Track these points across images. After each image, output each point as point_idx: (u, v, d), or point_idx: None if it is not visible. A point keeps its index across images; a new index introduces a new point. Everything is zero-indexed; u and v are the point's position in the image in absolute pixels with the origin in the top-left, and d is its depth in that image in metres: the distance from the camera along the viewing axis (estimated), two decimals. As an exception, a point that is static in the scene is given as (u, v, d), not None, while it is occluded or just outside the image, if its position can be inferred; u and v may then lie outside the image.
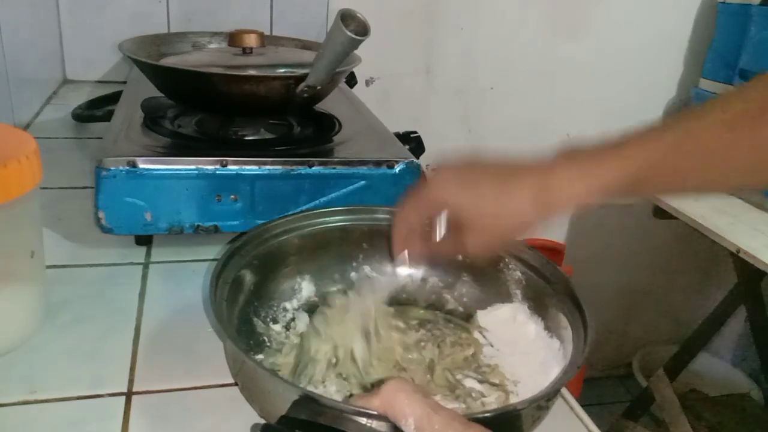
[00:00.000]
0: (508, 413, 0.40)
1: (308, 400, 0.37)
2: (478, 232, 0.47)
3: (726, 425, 1.56)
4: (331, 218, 0.59)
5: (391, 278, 0.59)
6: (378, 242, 0.59)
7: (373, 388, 0.45)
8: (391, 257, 0.54)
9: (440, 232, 0.50)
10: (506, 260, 0.56)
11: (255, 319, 0.52)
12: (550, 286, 0.53)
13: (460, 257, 0.58)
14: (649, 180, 0.44)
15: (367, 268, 0.59)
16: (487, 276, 0.58)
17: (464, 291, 0.59)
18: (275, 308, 0.54)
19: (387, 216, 0.59)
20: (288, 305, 0.55)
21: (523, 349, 0.52)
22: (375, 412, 0.35)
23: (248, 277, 0.53)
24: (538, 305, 0.54)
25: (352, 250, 0.59)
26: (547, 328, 0.52)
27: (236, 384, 0.47)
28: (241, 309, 0.51)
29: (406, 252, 0.52)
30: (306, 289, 0.57)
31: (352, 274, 0.59)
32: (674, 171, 0.44)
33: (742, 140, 0.42)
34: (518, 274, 0.56)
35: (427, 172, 0.59)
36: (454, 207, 0.48)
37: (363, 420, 0.35)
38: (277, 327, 0.53)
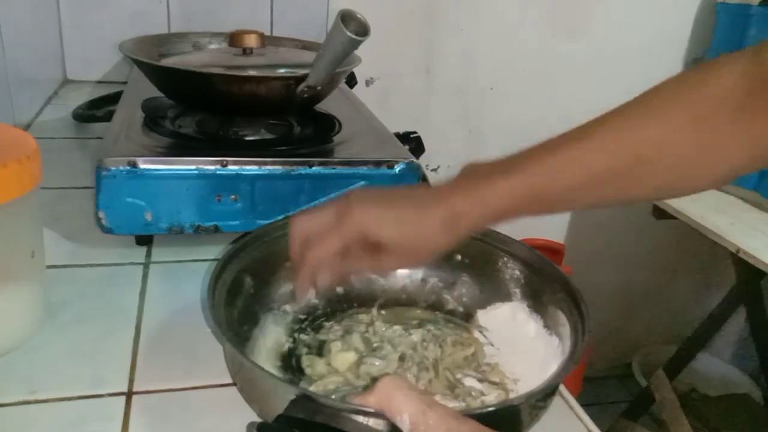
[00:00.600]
0: (504, 409, 0.40)
1: (305, 399, 0.37)
2: (397, 255, 0.47)
3: (726, 425, 1.56)
4: None
5: (390, 279, 0.59)
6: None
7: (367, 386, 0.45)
8: (296, 289, 0.51)
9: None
10: (505, 259, 0.57)
11: (255, 321, 0.52)
12: (549, 283, 0.53)
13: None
14: (541, 199, 0.45)
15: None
16: (486, 275, 0.58)
17: (464, 291, 0.59)
18: (276, 309, 0.54)
19: None
20: (288, 308, 0.55)
21: (523, 348, 0.52)
22: (371, 410, 0.35)
23: (248, 279, 0.53)
24: (537, 303, 0.54)
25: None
26: (547, 326, 0.52)
27: (235, 384, 0.47)
28: (240, 311, 0.51)
29: (313, 290, 0.50)
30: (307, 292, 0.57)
31: (353, 276, 0.59)
32: (563, 192, 0.45)
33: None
34: (517, 272, 0.56)
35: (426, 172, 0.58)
36: (377, 232, 0.47)
37: (360, 418, 0.35)
38: (278, 329, 0.53)
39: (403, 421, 0.34)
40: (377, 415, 0.35)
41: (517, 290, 0.56)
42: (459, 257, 0.59)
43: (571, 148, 0.45)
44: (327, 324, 0.55)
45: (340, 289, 0.58)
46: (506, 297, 0.57)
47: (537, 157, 0.46)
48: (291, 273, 0.55)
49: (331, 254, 0.48)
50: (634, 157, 0.44)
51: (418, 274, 0.60)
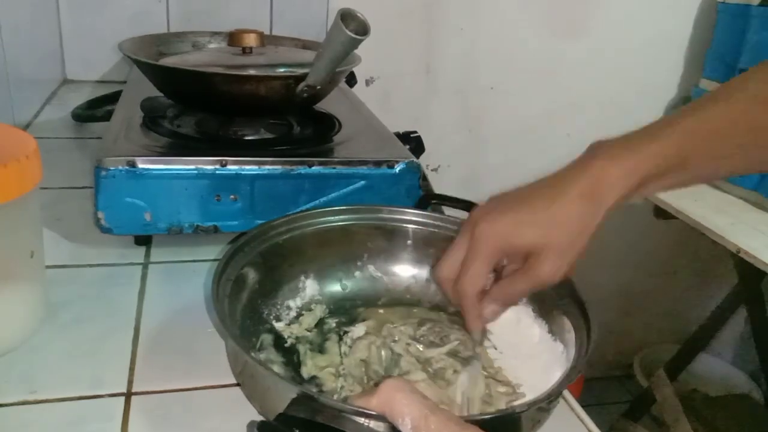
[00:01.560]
0: (507, 416, 0.40)
1: (306, 398, 0.37)
2: (549, 259, 0.44)
3: (726, 425, 1.56)
4: (335, 217, 0.59)
5: (395, 278, 0.59)
6: (382, 242, 0.59)
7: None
8: (470, 330, 0.49)
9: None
10: None
11: (258, 317, 0.52)
12: (555, 289, 0.52)
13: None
14: (688, 162, 0.43)
15: (371, 268, 0.59)
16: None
17: None
18: (279, 306, 0.54)
19: (391, 215, 0.59)
20: (292, 303, 0.55)
21: (526, 353, 0.52)
22: (373, 412, 0.35)
23: (251, 274, 0.52)
24: (543, 308, 0.53)
25: (357, 249, 0.59)
26: (551, 331, 0.52)
27: (238, 384, 0.47)
28: (243, 306, 0.51)
29: (487, 315, 0.48)
30: (310, 287, 0.57)
31: (357, 273, 0.59)
32: (713, 150, 0.43)
33: None
34: None
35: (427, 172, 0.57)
36: (513, 243, 0.44)
37: (361, 419, 0.35)
38: (280, 325, 0.53)
39: (405, 424, 0.33)
40: (378, 417, 0.35)
41: None
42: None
43: (712, 107, 0.44)
44: (330, 321, 0.55)
45: (339, 288, 0.58)
46: None
47: (675, 123, 0.43)
48: (296, 269, 0.55)
49: (479, 282, 0.45)
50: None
51: (423, 274, 0.59)
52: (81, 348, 0.50)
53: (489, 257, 0.45)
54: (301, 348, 0.51)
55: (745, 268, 1.33)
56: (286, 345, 0.52)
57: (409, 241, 0.59)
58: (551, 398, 0.42)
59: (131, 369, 0.48)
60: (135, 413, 0.44)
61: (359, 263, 0.59)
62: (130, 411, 0.44)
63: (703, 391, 1.70)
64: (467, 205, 0.62)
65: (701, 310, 1.67)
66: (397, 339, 0.51)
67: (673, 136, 0.43)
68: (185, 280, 0.61)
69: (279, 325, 0.53)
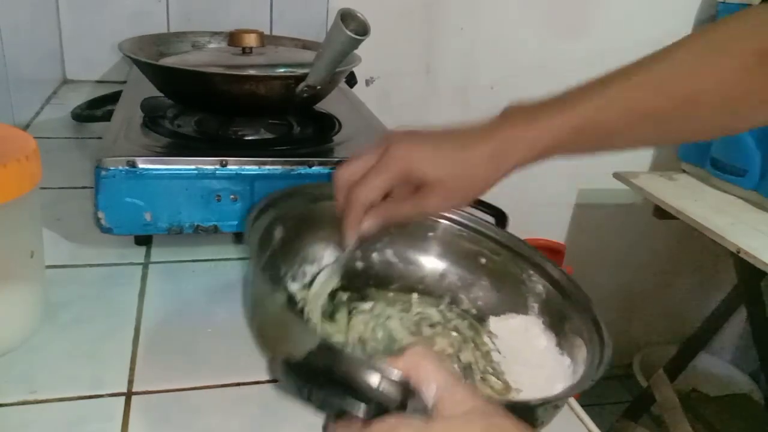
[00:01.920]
0: (518, 407, 0.39)
1: (328, 349, 0.35)
2: (439, 193, 0.47)
3: (726, 425, 1.56)
4: None
5: (410, 267, 0.59)
6: (406, 229, 0.59)
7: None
8: (343, 234, 0.50)
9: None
10: (530, 272, 0.55)
11: (276, 275, 0.52)
12: (570, 303, 0.51)
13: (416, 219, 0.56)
14: (589, 135, 0.46)
15: (389, 252, 0.59)
16: (506, 284, 0.57)
17: (480, 294, 0.58)
18: (296, 267, 0.55)
19: None
20: (308, 269, 0.55)
21: (528, 360, 0.52)
22: (395, 373, 0.33)
23: (278, 232, 0.53)
24: (554, 321, 0.53)
25: (379, 231, 0.58)
26: (560, 344, 0.51)
27: (236, 385, 0.47)
28: (264, 262, 0.50)
29: (363, 227, 0.49)
30: (327, 258, 0.56)
31: (374, 255, 0.59)
32: (611, 128, 0.46)
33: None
34: (539, 287, 0.55)
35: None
36: (420, 170, 0.47)
37: (378, 380, 0.33)
38: (295, 285, 0.54)
39: (430, 390, 0.32)
40: (398, 382, 0.33)
41: (536, 305, 0.55)
42: (483, 260, 0.58)
43: (618, 87, 0.46)
44: (342, 293, 0.55)
45: (359, 264, 0.58)
46: (522, 309, 0.55)
47: (582, 95, 0.46)
48: (337, 222, 0.53)
49: (374, 194, 0.47)
50: (682, 97, 0.45)
51: (439, 268, 0.59)
52: (81, 348, 0.50)
53: (392, 176, 0.47)
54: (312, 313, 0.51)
55: (745, 268, 1.33)
56: (296, 307, 0.52)
57: (431, 233, 0.60)
58: (560, 401, 0.42)
59: (131, 369, 0.48)
60: (135, 413, 0.44)
61: (378, 245, 0.59)
62: (130, 411, 0.44)
63: (703, 391, 1.70)
64: (497, 212, 0.62)
65: (701, 310, 1.67)
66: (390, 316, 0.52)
67: (578, 111, 0.45)
68: (185, 280, 0.61)
69: (293, 286, 0.54)
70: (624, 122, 0.45)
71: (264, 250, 0.50)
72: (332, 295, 0.54)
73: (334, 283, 0.54)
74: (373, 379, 0.32)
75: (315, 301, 0.53)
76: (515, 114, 0.47)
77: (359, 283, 0.57)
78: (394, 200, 0.49)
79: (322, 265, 0.56)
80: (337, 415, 0.34)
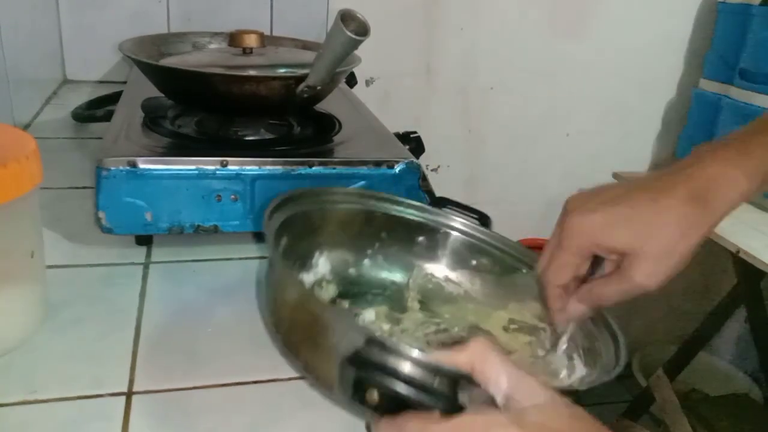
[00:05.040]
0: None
1: (378, 344, 0.32)
2: (642, 261, 0.40)
3: (726, 425, 1.56)
4: (362, 200, 0.58)
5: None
6: (396, 233, 0.58)
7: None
8: (551, 322, 0.46)
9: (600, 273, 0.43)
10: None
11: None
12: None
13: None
14: None
15: (380, 258, 0.58)
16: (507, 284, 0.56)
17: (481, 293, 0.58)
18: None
19: (409, 209, 0.58)
20: (306, 277, 0.54)
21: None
22: (457, 369, 0.31)
23: (284, 237, 0.52)
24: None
25: (370, 237, 0.58)
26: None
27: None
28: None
29: (572, 316, 0.45)
30: (322, 265, 0.56)
31: (366, 261, 0.58)
32: None
33: None
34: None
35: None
36: (604, 240, 0.40)
37: (442, 376, 0.31)
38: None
39: (500, 384, 0.30)
40: (464, 375, 0.31)
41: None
42: (481, 263, 0.57)
43: None
44: (343, 301, 0.55)
45: (352, 270, 0.57)
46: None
47: None
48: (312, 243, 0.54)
49: (563, 275, 0.42)
50: None
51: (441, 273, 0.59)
52: (81, 348, 0.50)
53: (576, 252, 0.41)
54: None
55: (744, 268, 1.33)
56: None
57: (420, 238, 0.59)
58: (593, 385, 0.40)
59: (132, 369, 0.48)
60: (135, 413, 0.44)
61: (370, 251, 0.58)
62: (130, 411, 0.44)
63: (702, 391, 1.70)
64: (480, 215, 0.61)
65: (701, 310, 1.67)
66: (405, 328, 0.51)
67: None
68: (186, 280, 0.61)
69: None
70: None
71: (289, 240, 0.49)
72: (332, 302, 0.53)
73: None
74: (438, 374, 0.31)
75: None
76: (712, 146, 0.40)
77: (355, 290, 0.56)
78: (598, 281, 0.43)
79: (317, 272, 0.54)
80: (394, 411, 0.31)
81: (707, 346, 1.64)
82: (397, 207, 0.59)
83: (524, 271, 0.55)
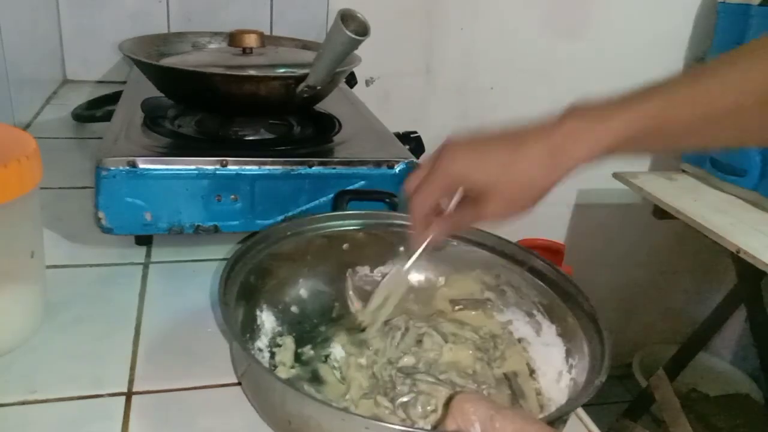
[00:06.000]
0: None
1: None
2: (495, 201, 0.45)
3: (726, 425, 1.56)
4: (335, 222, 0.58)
5: (340, 286, 0.58)
6: (321, 251, 0.57)
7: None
8: (413, 243, 0.51)
9: (452, 205, 0.49)
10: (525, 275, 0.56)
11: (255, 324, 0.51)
12: (570, 305, 0.52)
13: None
14: (656, 134, 0.44)
15: (312, 282, 0.57)
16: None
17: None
18: (255, 351, 0.50)
19: (325, 222, 0.58)
20: (260, 344, 0.51)
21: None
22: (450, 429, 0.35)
23: (253, 279, 0.52)
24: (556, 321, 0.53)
25: (298, 268, 0.57)
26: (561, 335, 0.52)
27: (238, 384, 0.47)
28: (246, 310, 0.50)
29: (429, 236, 0.50)
30: (267, 322, 0.53)
31: (302, 291, 0.56)
32: (681, 127, 0.44)
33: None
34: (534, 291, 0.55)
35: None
36: (468, 178, 0.46)
37: None
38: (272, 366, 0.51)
39: (475, 429, 0.34)
40: None
41: (537, 308, 0.55)
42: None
43: (694, 84, 0.44)
44: (305, 351, 0.52)
45: (294, 308, 0.55)
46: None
47: (655, 93, 0.44)
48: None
49: (428, 202, 0.47)
50: (761, 94, 0.42)
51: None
52: (81, 348, 0.50)
53: (442, 185, 0.47)
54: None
55: (744, 268, 1.33)
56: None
57: (345, 245, 0.58)
58: (565, 414, 0.42)
59: (132, 369, 0.48)
60: (135, 413, 0.44)
61: (301, 281, 0.56)
62: (130, 411, 0.44)
63: (702, 391, 1.70)
64: (384, 196, 0.63)
65: (701, 310, 1.67)
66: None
67: (647, 108, 0.44)
68: (186, 280, 0.61)
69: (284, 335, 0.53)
70: (700, 117, 0.43)
71: (243, 303, 0.49)
72: (297, 358, 0.51)
73: (404, 288, 0.54)
74: None
75: (377, 314, 0.53)
76: (579, 110, 0.45)
77: (306, 327, 0.54)
78: (457, 211, 0.48)
79: (267, 332, 0.52)
80: None
81: (707, 346, 1.64)
82: (313, 226, 0.58)
83: (454, 243, 0.57)
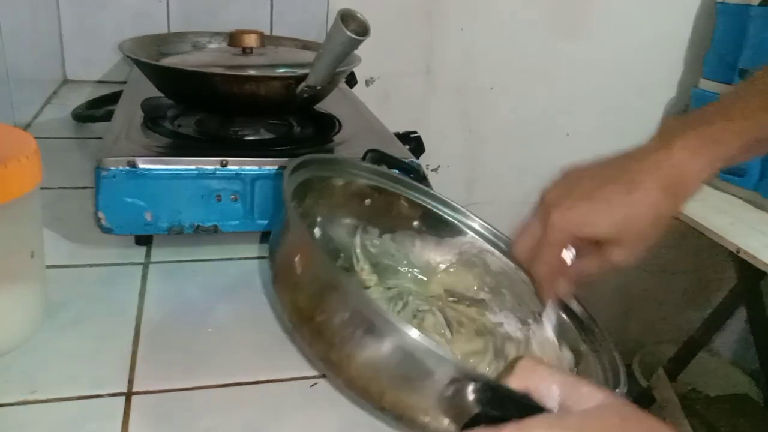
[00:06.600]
0: None
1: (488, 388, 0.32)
2: (620, 246, 0.44)
3: (726, 425, 1.56)
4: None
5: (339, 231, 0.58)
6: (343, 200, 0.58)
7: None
8: (542, 304, 0.50)
9: (571, 257, 0.47)
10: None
11: None
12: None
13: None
14: (757, 147, 0.43)
15: (327, 224, 0.57)
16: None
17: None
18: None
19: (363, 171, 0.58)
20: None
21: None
22: (516, 387, 0.32)
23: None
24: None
25: (318, 206, 0.57)
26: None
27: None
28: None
29: (556, 297, 0.49)
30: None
31: (316, 230, 0.56)
32: None
33: None
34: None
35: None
36: (587, 230, 0.44)
37: (501, 400, 0.32)
38: None
39: (552, 393, 0.31)
40: (521, 396, 0.32)
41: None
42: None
43: None
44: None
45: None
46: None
47: (751, 97, 0.43)
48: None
49: (553, 265, 0.46)
50: None
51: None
52: (81, 348, 0.50)
53: (562, 245, 0.46)
54: None
55: (744, 268, 1.33)
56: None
57: (368, 201, 0.58)
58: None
59: (132, 369, 0.48)
60: (135, 413, 0.44)
61: (319, 219, 0.56)
62: (130, 411, 0.44)
63: (703, 391, 1.70)
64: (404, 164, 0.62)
65: (701, 310, 1.67)
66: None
67: (751, 114, 0.42)
68: (186, 280, 0.61)
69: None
70: None
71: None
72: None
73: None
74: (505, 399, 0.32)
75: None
76: (678, 129, 0.43)
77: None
78: (580, 259, 0.47)
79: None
80: None
81: (707, 346, 1.64)
82: (353, 171, 0.58)
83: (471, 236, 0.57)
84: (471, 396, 0.33)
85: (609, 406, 0.30)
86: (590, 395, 0.31)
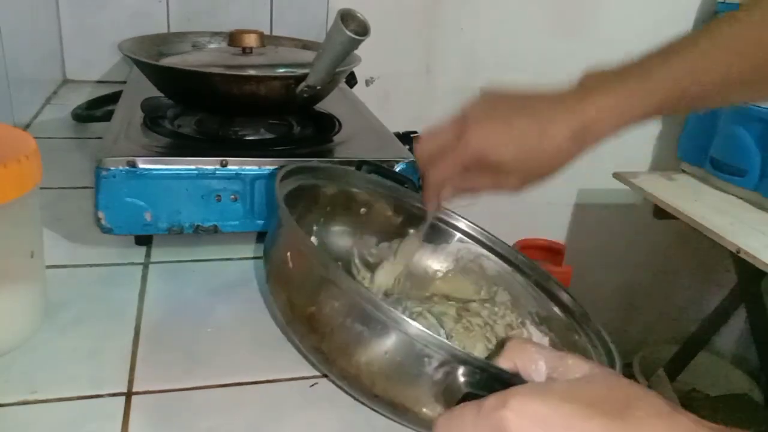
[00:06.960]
0: None
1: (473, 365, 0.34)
2: (518, 175, 0.47)
3: (726, 424, 1.56)
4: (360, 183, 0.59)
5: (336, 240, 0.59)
6: (340, 207, 0.59)
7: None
8: (425, 205, 0.54)
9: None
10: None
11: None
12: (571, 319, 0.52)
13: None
14: (678, 100, 0.44)
15: (323, 231, 0.58)
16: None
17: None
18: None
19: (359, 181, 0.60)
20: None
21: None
22: (506, 367, 0.33)
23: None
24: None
25: (317, 213, 0.58)
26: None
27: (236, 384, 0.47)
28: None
29: (439, 201, 0.52)
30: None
31: (312, 238, 0.57)
32: (703, 90, 0.44)
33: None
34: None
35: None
36: (492, 156, 0.46)
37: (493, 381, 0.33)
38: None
39: (539, 369, 0.32)
40: (511, 375, 0.32)
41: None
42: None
43: (708, 48, 0.44)
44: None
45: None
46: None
47: (672, 58, 0.44)
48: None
49: (448, 175, 0.48)
50: None
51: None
52: (81, 348, 0.50)
53: (463, 161, 0.47)
54: None
55: (744, 268, 1.33)
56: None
57: (363, 210, 0.60)
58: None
59: (132, 369, 0.48)
60: (135, 413, 0.44)
61: (315, 228, 0.58)
62: (130, 411, 0.44)
63: (703, 391, 1.70)
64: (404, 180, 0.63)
65: (701, 310, 1.67)
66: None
67: (669, 75, 0.44)
68: (185, 280, 0.61)
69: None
70: (721, 80, 0.44)
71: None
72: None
73: (416, 248, 0.55)
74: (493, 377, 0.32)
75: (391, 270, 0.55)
76: (598, 82, 0.45)
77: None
78: (472, 173, 0.49)
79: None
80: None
81: (707, 346, 1.64)
82: (347, 179, 0.59)
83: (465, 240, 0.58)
84: (461, 378, 0.33)
85: (595, 375, 0.31)
86: (577, 366, 0.31)
